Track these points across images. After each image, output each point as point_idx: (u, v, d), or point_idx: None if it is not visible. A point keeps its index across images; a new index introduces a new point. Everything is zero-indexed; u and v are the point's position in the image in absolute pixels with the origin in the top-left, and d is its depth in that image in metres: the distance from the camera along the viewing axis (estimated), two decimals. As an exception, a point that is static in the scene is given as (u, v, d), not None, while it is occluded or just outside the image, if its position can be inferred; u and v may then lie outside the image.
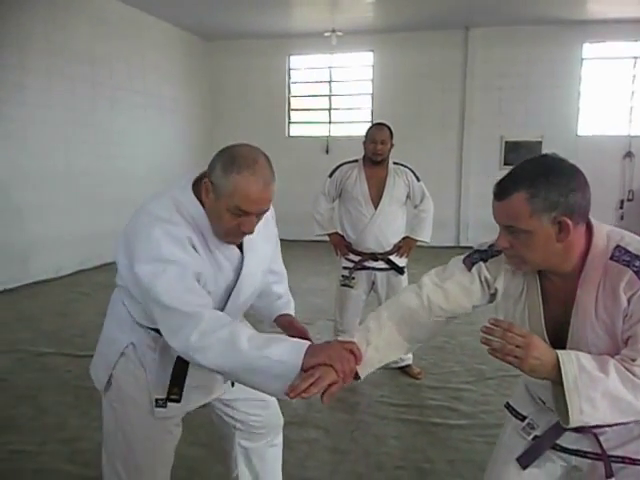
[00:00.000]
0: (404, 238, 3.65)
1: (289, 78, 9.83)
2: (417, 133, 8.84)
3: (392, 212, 3.63)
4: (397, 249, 3.61)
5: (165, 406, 1.57)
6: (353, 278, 3.60)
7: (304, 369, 1.26)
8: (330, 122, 9.74)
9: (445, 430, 2.93)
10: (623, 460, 1.35)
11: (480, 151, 9.00)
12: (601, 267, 1.26)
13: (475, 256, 1.47)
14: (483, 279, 1.45)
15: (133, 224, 1.45)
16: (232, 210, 1.37)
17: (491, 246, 1.44)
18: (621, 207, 8.51)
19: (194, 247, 1.41)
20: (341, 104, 9.74)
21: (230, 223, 1.40)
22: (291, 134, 9.88)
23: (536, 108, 8.69)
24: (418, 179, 3.72)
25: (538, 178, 1.22)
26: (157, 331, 1.46)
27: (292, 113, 9.91)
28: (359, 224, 3.58)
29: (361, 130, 8.81)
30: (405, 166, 3.73)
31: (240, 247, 1.53)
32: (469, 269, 1.46)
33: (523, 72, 8.68)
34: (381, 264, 3.60)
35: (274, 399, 1.78)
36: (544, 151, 8.29)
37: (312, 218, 3.74)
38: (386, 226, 3.58)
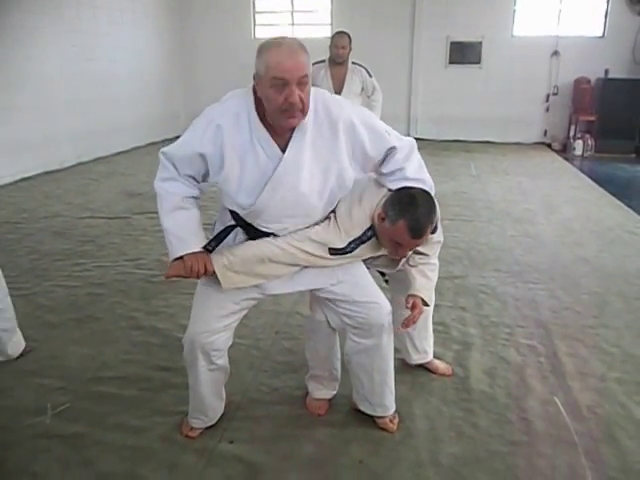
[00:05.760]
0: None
1: (253, -20, 10.36)
2: (372, 34, 9.71)
3: (350, 101, 4.81)
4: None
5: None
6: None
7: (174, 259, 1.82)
8: (293, 24, 10.45)
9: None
10: None
11: (428, 51, 9.97)
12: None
13: None
14: None
15: None
16: (272, 83, 1.55)
17: None
18: (547, 100, 9.79)
19: (222, 132, 1.66)
20: (302, 6, 10.40)
21: (277, 99, 1.56)
22: (257, 36, 10.53)
23: (478, 10, 9.62)
24: (370, 75, 4.90)
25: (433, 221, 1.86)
26: None
27: (257, 16, 10.55)
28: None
29: (321, 32, 9.76)
30: (361, 65, 4.90)
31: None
32: None
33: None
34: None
35: (374, 300, 1.98)
36: (484, 51, 9.35)
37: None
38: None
